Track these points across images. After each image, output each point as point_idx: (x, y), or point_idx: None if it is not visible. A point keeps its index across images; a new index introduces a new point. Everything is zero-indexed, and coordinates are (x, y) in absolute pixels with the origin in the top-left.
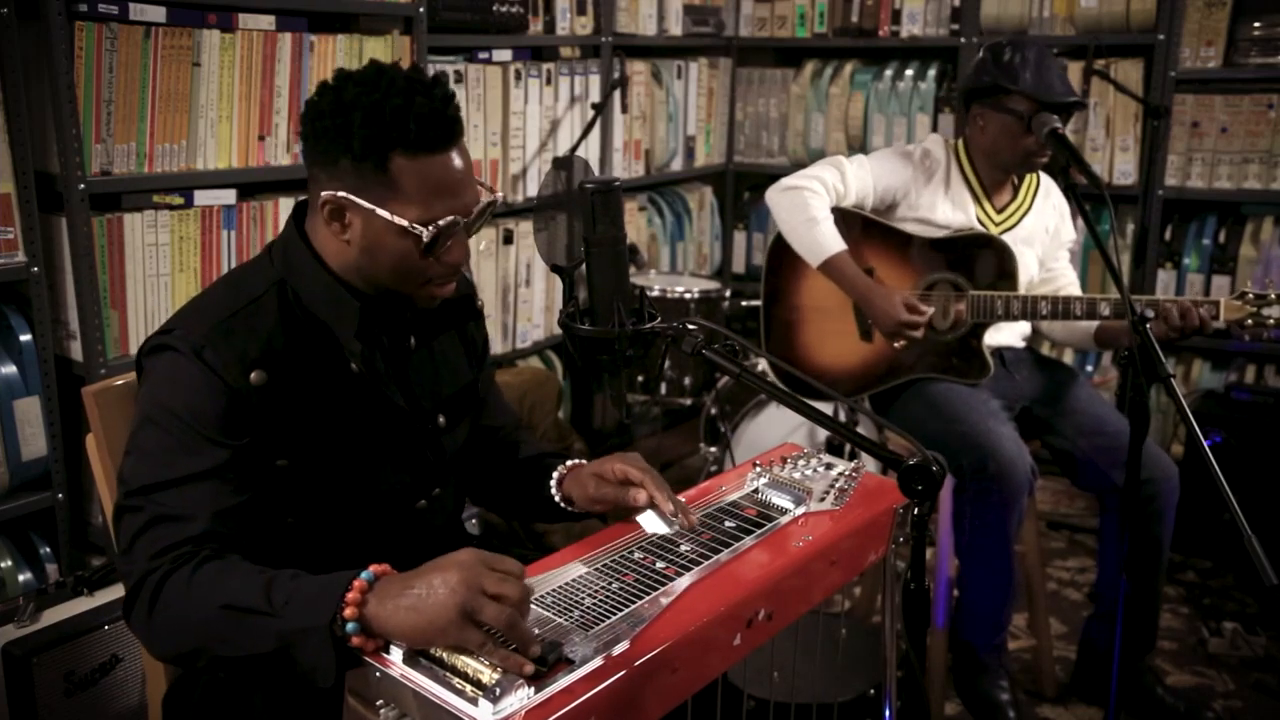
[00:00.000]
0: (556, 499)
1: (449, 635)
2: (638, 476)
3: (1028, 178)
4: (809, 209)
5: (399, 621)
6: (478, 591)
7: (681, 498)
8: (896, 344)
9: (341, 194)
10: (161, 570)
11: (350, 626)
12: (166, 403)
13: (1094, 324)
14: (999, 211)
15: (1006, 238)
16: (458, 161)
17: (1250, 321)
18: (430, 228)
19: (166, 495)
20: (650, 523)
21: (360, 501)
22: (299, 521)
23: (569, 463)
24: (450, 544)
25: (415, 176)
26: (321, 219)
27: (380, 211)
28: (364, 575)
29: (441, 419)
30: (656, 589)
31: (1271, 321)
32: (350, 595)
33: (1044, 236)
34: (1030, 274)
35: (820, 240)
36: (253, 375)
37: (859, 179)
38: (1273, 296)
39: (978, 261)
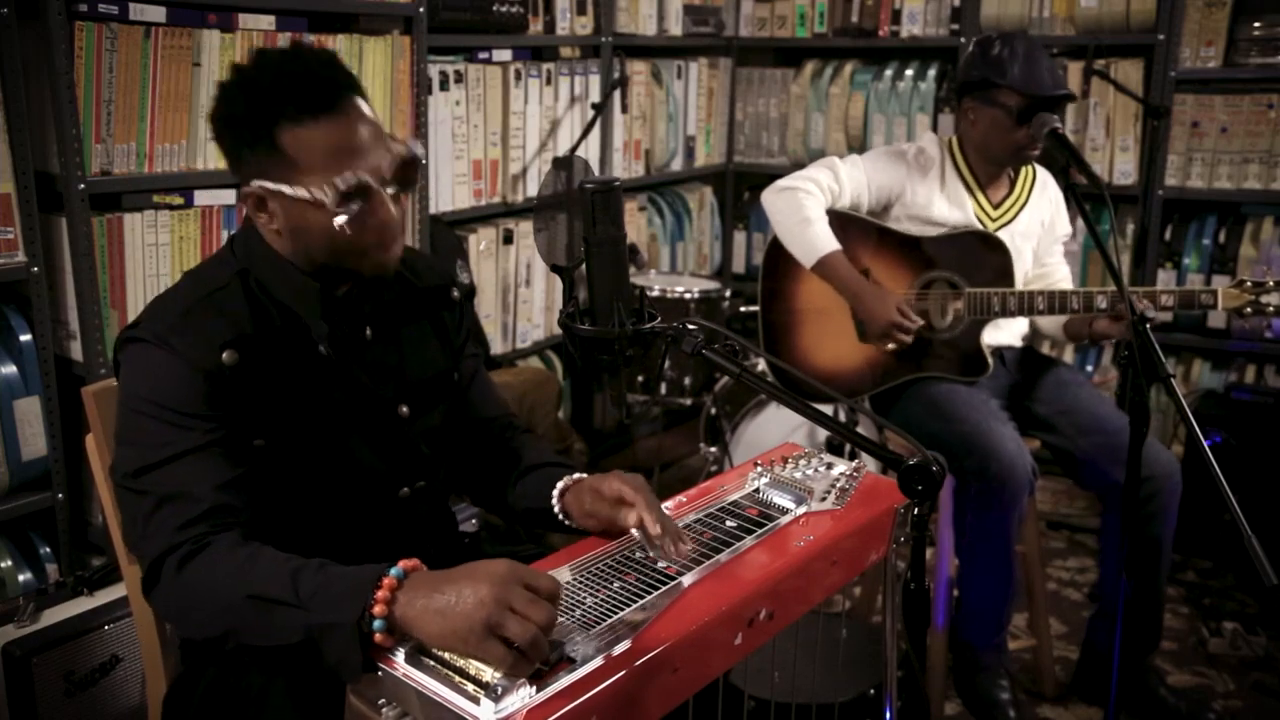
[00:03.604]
0: (557, 511)
1: (471, 645)
2: (631, 497)
3: (1024, 171)
4: (803, 209)
5: (425, 624)
6: (505, 608)
7: (674, 502)
8: (888, 347)
9: (255, 183)
10: (183, 551)
11: (378, 624)
12: (144, 393)
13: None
14: (996, 206)
15: (1004, 232)
16: (352, 121)
17: (1249, 309)
18: (331, 191)
19: (164, 474)
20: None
21: (340, 488)
22: (285, 513)
23: (574, 476)
24: (439, 538)
25: (306, 145)
26: (255, 217)
27: (286, 189)
28: (394, 572)
29: (404, 409)
30: (658, 588)
31: (1270, 309)
32: (380, 593)
33: (1040, 230)
34: (1027, 268)
35: (813, 240)
36: (224, 355)
37: (853, 179)
38: (1271, 284)
39: (973, 259)
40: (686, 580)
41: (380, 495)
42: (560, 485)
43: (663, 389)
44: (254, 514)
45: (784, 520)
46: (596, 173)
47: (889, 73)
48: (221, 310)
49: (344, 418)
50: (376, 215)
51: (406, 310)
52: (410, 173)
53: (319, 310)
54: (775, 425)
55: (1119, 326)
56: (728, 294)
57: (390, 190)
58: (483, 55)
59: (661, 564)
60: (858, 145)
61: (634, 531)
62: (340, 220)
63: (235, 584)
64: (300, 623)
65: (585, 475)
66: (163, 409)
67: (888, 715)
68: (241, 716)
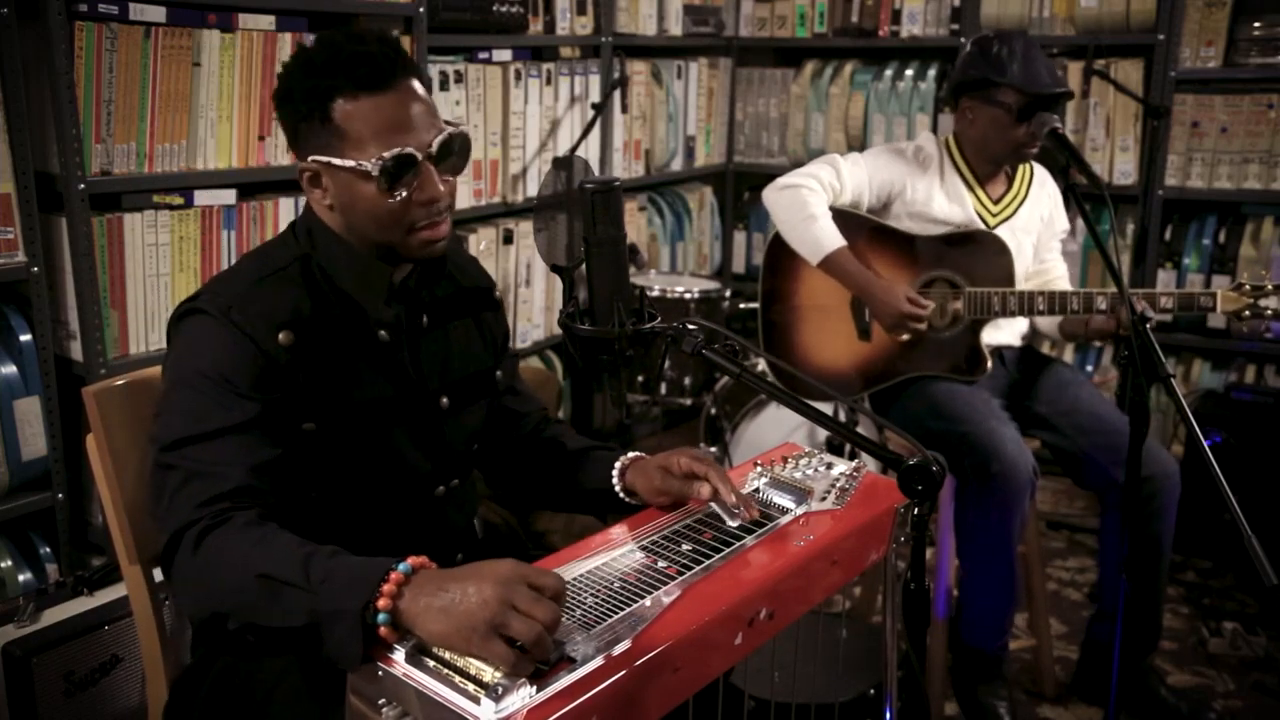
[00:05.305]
0: (617, 489)
1: (473, 645)
2: (703, 470)
3: (1021, 168)
4: (807, 206)
5: (427, 622)
6: (508, 607)
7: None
8: (901, 337)
9: (311, 158)
10: (201, 526)
11: (381, 618)
12: (195, 363)
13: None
14: (995, 202)
15: (1005, 227)
16: (405, 99)
17: (1247, 313)
18: (376, 160)
19: (200, 449)
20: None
21: (379, 479)
22: (321, 496)
23: (630, 455)
24: (462, 544)
25: (359, 118)
26: (309, 193)
27: (336, 160)
28: (401, 567)
29: (445, 400)
30: (658, 588)
31: (1269, 312)
32: (386, 587)
33: (1039, 225)
34: (1027, 263)
35: (819, 237)
36: (280, 335)
37: (854, 176)
38: (1269, 287)
39: (974, 257)
40: (687, 580)
41: (417, 491)
42: (619, 464)
43: (663, 389)
44: (282, 499)
45: (784, 520)
46: (596, 173)
47: (889, 73)
48: (281, 291)
49: (390, 406)
50: (424, 190)
51: (456, 305)
52: (458, 152)
53: (384, 294)
54: (775, 425)
55: (1113, 322)
56: (728, 294)
57: (438, 168)
58: (483, 55)
59: (662, 564)
60: (858, 145)
61: (711, 504)
62: (384, 189)
63: (247, 562)
64: (306, 606)
65: (642, 454)
66: (211, 382)
67: (888, 715)
68: (249, 709)
